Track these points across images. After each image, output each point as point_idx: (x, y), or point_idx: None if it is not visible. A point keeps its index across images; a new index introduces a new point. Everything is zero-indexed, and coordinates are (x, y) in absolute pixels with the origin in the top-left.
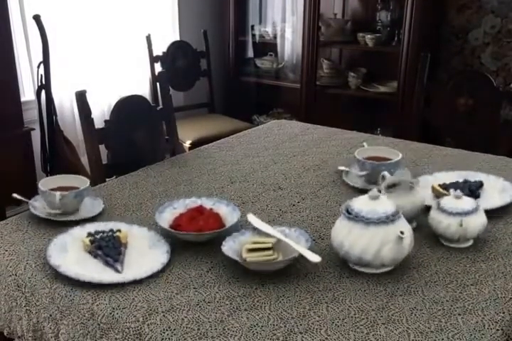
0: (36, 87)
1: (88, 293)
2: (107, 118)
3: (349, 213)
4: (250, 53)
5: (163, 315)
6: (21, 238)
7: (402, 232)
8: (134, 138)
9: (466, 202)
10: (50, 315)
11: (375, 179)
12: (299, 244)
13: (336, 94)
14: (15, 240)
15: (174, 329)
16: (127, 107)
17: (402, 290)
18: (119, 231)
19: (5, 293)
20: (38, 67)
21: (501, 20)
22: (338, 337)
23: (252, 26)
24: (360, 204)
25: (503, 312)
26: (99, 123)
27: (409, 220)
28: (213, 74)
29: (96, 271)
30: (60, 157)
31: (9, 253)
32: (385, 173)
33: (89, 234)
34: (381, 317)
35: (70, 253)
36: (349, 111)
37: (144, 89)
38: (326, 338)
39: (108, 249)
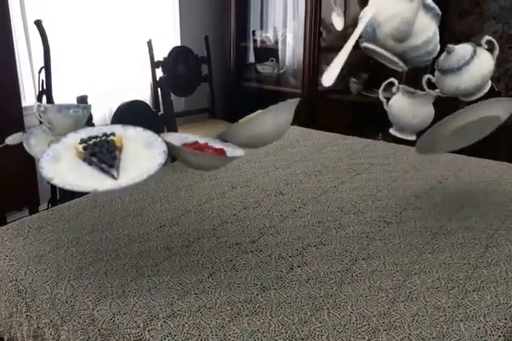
0: (37, 92)
1: (89, 299)
2: (108, 123)
3: None
4: (251, 58)
5: (164, 321)
6: (22, 243)
7: None
8: None
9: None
10: (51, 321)
11: None
12: None
13: (337, 100)
14: (15, 245)
15: (175, 335)
16: (128, 112)
17: (404, 296)
18: (113, 134)
19: (5, 299)
20: (40, 72)
21: (503, 26)
22: None
23: (253, 31)
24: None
25: (505, 319)
26: None
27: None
28: (214, 79)
29: (91, 180)
30: None
31: (10, 259)
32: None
33: (83, 141)
34: (383, 323)
35: (63, 163)
36: (350, 116)
37: (144, 95)
38: None
39: (102, 154)
